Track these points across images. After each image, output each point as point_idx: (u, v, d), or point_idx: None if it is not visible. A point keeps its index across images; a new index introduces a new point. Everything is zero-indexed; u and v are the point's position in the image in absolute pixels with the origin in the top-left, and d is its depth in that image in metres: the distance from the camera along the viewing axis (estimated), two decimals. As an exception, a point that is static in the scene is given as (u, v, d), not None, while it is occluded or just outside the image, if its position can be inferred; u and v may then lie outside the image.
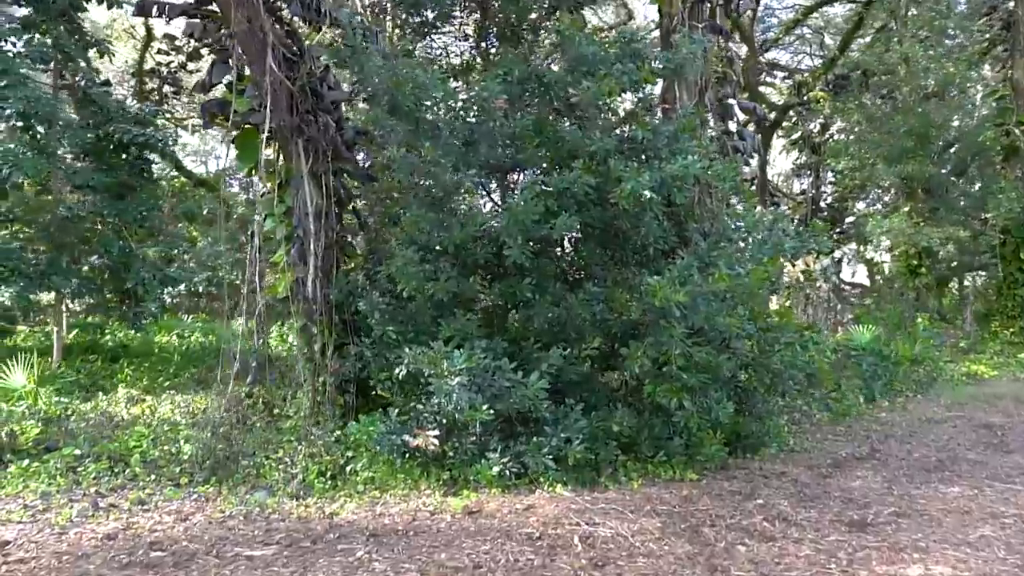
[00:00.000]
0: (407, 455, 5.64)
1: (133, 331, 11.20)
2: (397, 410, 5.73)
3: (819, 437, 7.23)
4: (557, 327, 6.01)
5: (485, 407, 5.21)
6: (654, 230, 6.19)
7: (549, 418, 5.75)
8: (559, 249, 6.65)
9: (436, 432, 5.40)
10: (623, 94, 6.74)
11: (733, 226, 6.80)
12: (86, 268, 10.75)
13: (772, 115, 21.14)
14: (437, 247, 5.99)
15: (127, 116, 10.41)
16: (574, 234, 6.78)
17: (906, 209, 15.94)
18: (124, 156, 10.54)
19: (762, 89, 22.76)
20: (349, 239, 6.81)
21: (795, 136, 22.98)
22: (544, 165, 6.33)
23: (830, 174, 22.14)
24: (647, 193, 5.45)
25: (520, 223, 5.49)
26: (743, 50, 17.66)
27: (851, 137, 16.97)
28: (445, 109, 5.98)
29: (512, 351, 6.15)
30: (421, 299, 6.07)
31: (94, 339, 12.03)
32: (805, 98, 20.33)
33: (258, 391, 7.15)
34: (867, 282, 24.19)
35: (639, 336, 6.18)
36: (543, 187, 5.62)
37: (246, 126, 6.38)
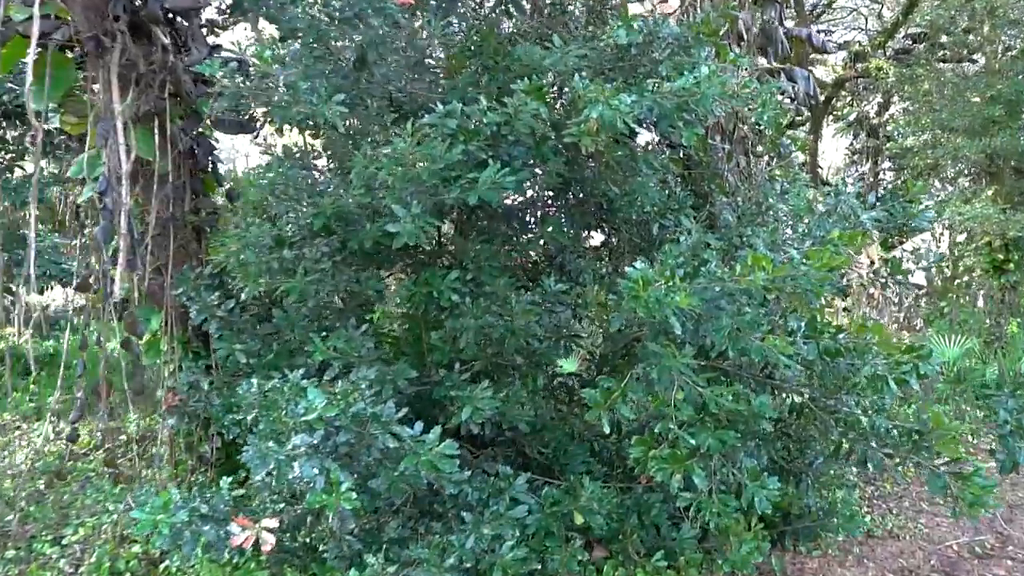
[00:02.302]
0: (242, 553, 3.53)
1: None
2: (231, 477, 3.60)
3: (910, 509, 4.85)
4: (492, 347, 3.81)
5: (346, 486, 3.05)
6: (650, 194, 3.93)
7: (471, 498, 3.56)
8: (505, 225, 4.43)
9: (275, 522, 3.26)
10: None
11: (775, 192, 4.49)
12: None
13: (822, 95, 18.48)
14: (306, 223, 3.84)
15: None
16: (547, 203, 4.58)
17: (990, 192, 13.20)
18: None
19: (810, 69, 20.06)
20: (212, 215, 4.71)
21: (850, 117, 20.24)
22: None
23: (887, 163, 19.32)
24: (628, 125, 3.20)
25: (414, 179, 3.30)
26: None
27: (922, 108, 14.26)
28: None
29: (427, 385, 3.99)
30: (293, 304, 3.96)
31: None
32: (862, 70, 17.64)
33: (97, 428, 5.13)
34: (922, 281, 21.15)
35: (624, 361, 3.98)
36: (461, 123, 3.42)
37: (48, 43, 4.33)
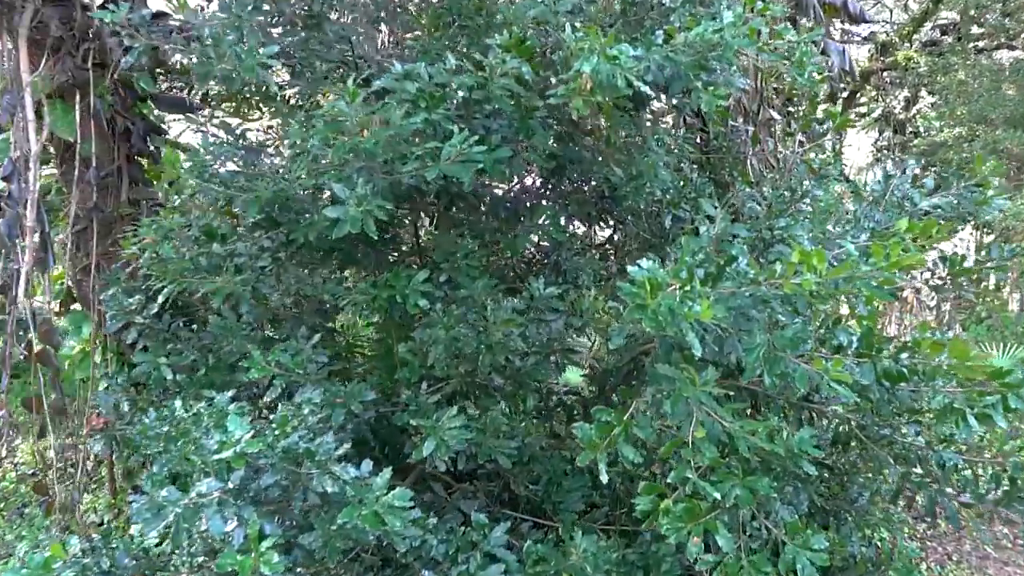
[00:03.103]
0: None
1: None
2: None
3: (973, 554, 4.08)
4: (466, 364, 3.11)
5: (268, 544, 2.37)
6: (660, 176, 3.21)
7: (436, 553, 2.86)
8: (492, 218, 3.72)
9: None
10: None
11: (811, 179, 3.75)
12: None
13: (845, 90, 17.57)
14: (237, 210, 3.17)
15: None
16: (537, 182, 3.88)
17: (1032, 189, 12.32)
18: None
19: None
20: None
21: (876, 113, 19.31)
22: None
23: (912, 160, 18.39)
24: (631, 85, 2.49)
25: (361, 152, 2.61)
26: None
27: (956, 99, 13.37)
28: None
29: (396, 408, 3.31)
30: (232, 309, 3.29)
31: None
32: (889, 62, 16.76)
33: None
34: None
35: (633, 380, 3.30)
36: (423, 87, 2.74)
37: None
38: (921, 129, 17.72)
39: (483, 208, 3.82)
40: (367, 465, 2.65)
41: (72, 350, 4.13)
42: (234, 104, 3.89)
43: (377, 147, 2.61)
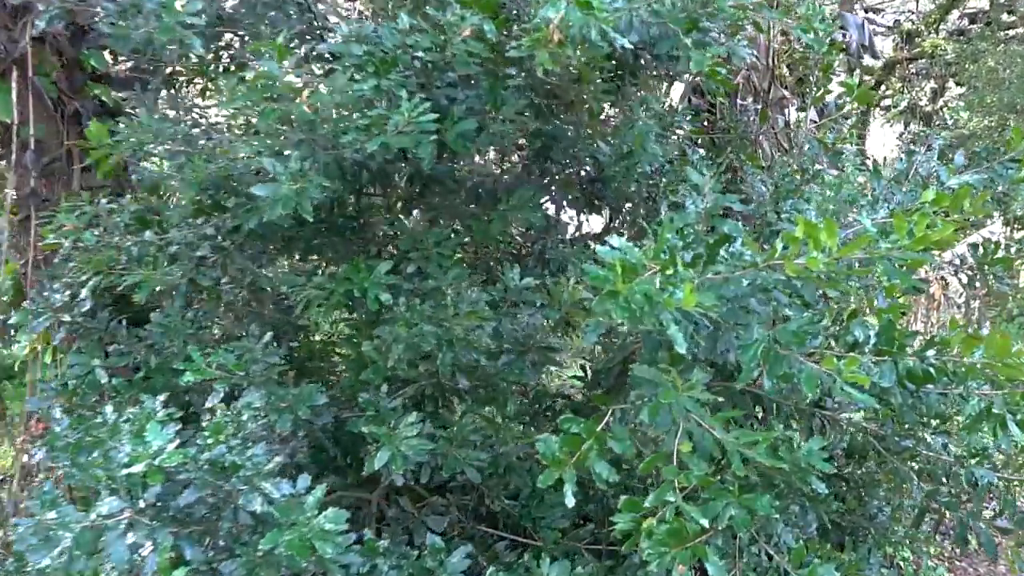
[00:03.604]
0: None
1: None
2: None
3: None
4: (429, 363, 2.75)
5: (182, 573, 2.05)
6: (649, 150, 2.82)
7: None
8: (473, 204, 3.37)
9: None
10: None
11: (826, 155, 3.35)
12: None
13: (871, 79, 16.95)
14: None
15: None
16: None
17: (1067, 181, 11.68)
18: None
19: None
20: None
21: (901, 105, 18.68)
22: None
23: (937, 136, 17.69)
24: (607, 36, 2.13)
25: (304, 123, 2.27)
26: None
27: (986, 87, 12.76)
28: None
29: (359, 411, 2.97)
30: (174, 302, 2.98)
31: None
32: (916, 52, 16.16)
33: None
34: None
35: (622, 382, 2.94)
36: (371, 49, 2.39)
37: None
38: (948, 121, 17.09)
39: (463, 192, 3.48)
40: (304, 480, 2.31)
41: (24, 349, 3.85)
42: (202, 83, 3.57)
43: (317, 116, 2.28)
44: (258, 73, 2.13)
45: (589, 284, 1.77)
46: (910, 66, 17.14)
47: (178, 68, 3.84)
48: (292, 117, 2.22)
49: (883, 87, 17.94)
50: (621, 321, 1.81)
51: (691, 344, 2.05)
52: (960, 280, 3.85)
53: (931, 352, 2.30)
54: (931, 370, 2.26)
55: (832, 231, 1.68)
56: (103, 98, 3.69)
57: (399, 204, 3.49)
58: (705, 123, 4.73)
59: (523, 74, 2.75)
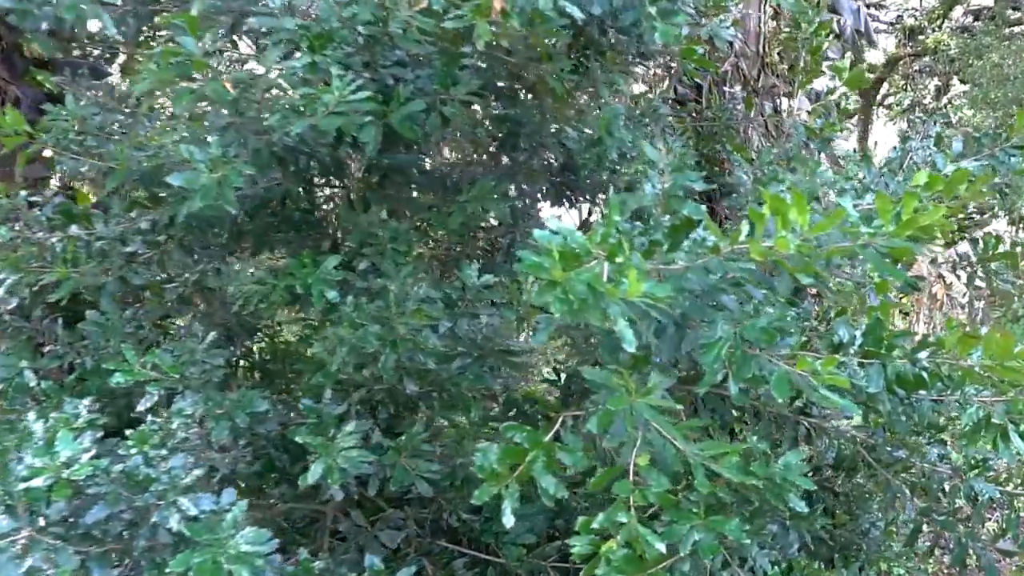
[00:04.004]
0: None
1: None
2: None
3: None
4: (373, 365, 2.53)
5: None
6: (616, 135, 2.59)
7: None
8: (435, 195, 3.15)
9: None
10: None
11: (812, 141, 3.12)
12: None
13: (872, 76, 16.67)
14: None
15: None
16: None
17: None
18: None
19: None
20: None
21: (904, 103, 18.40)
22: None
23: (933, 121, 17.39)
24: (556, 3, 1.91)
25: (230, 105, 2.05)
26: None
27: (991, 82, 12.49)
28: None
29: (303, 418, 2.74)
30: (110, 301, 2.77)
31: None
32: (919, 48, 15.90)
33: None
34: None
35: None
36: (305, 23, 2.17)
37: None
38: (952, 119, 16.81)
39: (425, 184, 3.27)
40: (229, 495, 2.09)
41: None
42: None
43: (240, 97, 2.06)
44: (166, 49, 1.91)
45: (524, 271, 1.54)
46: (913, 63, 16.86)
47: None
48: (209, 96, 2.00)
49: (885, 84, 17.69)
50: (554, 313, 1.58)
51: (643, 343, 1.82)
52: (959, 277, 3.63)
53: (923, 354, 2.06)
54: (923, 374, 2.03)
55: (802, 207, 1.45)
56: (47, 85, 3.49)
57: (355, 196, 3.27)
58: (692, 113, 4.50)
59: (479, 53, 2.53)
